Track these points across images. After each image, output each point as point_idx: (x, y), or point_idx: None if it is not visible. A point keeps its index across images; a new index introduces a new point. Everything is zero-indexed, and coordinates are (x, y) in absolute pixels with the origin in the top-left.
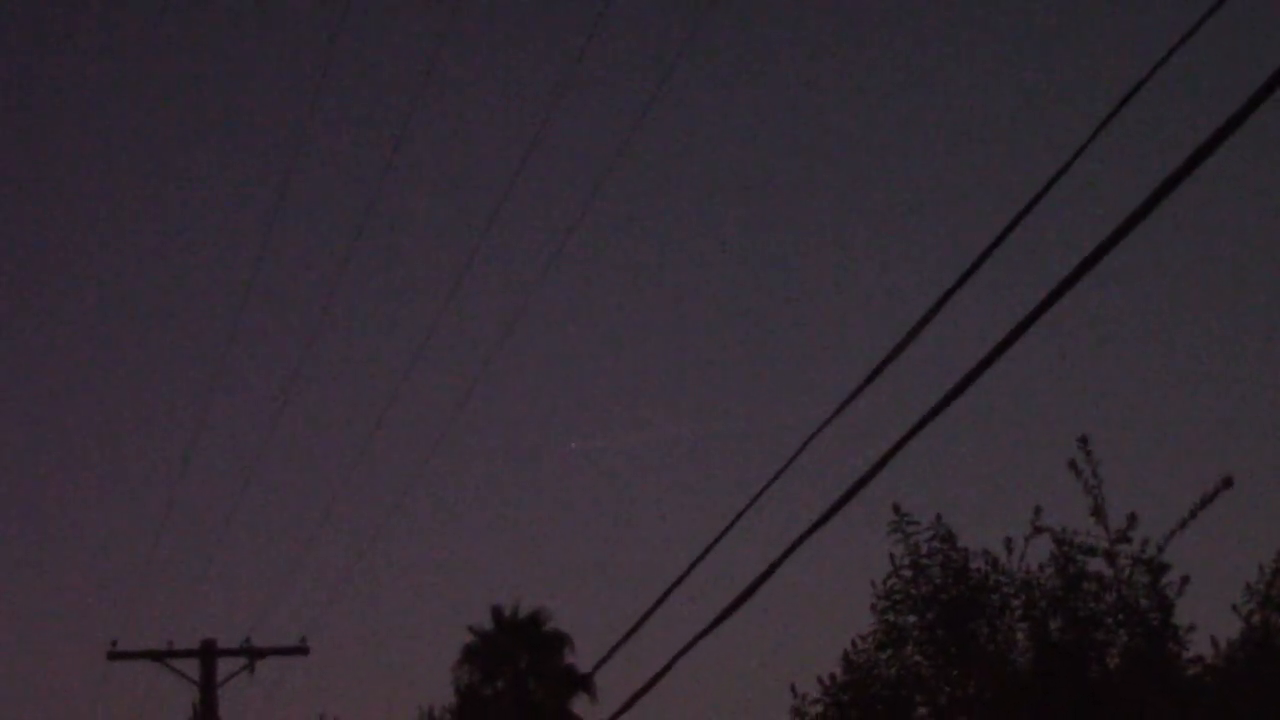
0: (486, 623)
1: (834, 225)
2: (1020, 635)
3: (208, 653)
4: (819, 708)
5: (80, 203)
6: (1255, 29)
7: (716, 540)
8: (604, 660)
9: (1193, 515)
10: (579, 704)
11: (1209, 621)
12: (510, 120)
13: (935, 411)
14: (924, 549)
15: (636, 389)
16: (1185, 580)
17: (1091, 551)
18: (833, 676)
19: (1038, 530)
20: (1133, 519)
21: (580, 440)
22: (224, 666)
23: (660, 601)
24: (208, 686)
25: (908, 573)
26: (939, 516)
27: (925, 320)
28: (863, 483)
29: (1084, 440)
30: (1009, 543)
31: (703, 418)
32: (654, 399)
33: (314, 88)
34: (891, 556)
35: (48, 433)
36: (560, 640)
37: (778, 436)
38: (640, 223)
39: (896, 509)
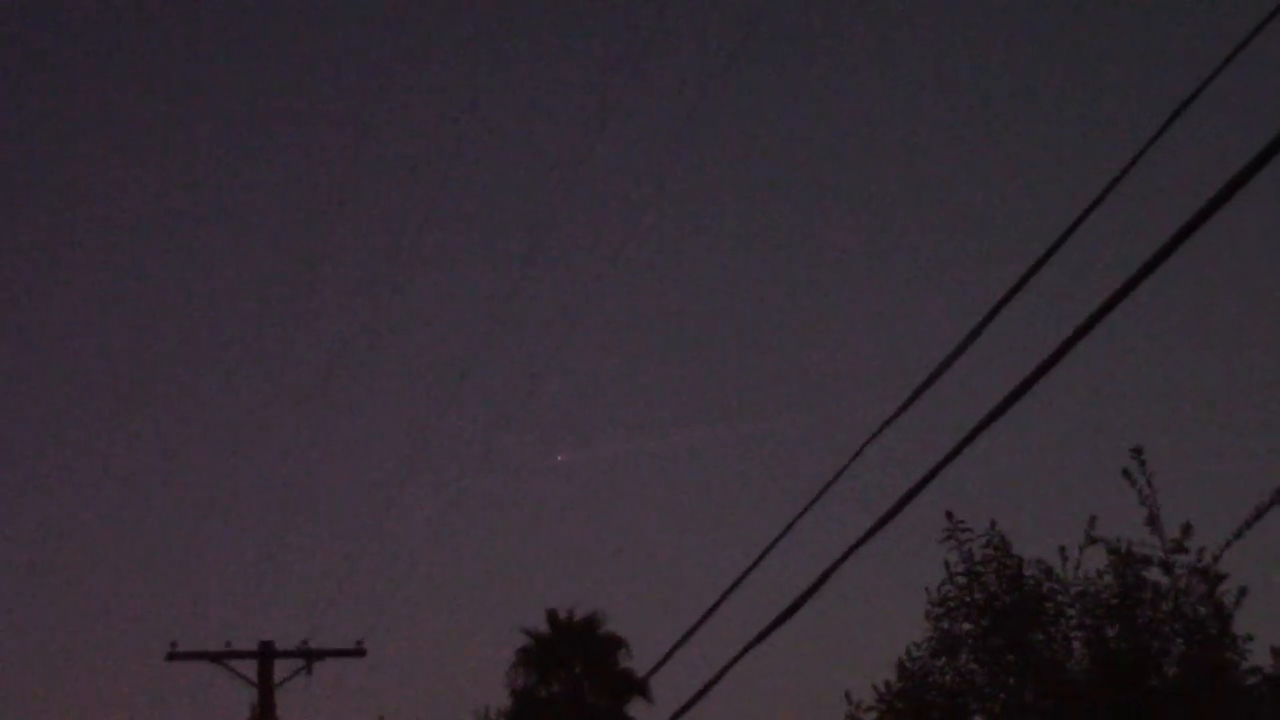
0: (542, 625)
1: (894, 228)
2: (1076, 643)
3: (266, 654)
4: (874, 715)
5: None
6: None
7: (771, 546)
8: (660, 664)
9: (1248, 525)
10: (635, 708)
11: (1267, 631)
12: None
13: (990, 418)
14: (978, 556)
15: (691, 390)
16: (1244, 591)
17: (1146, 561)
18: (887, 684)
19: (1092, 540)
20: (1188, 528)
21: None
22: (282, 668)
23: (716, 606)
24: (265, 687)
25: (962, 580)
26: (993, 523)
27: (980, 327)
28: (918, 489)
29: (1138, 450)
30: (1063, 551)
31: (760, 421)
32: (711, 401)
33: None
34: (946, 563)
35: (109, 436)
36: (616, 644)
37: (833, 441)
38: (692, 232)
39: (950, 516)
